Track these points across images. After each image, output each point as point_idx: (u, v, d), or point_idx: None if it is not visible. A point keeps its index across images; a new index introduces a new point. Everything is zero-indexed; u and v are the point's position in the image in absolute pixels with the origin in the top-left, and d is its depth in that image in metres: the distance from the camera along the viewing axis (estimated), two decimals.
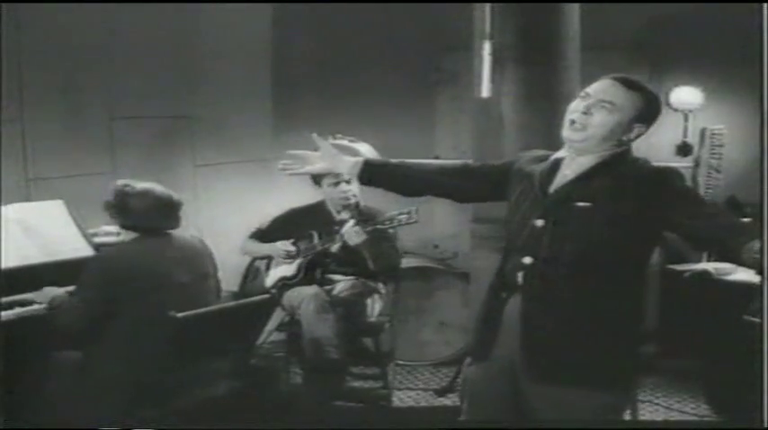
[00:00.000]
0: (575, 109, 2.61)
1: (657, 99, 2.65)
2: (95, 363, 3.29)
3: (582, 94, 2.63)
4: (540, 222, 2.59)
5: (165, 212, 3.43)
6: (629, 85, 2.60)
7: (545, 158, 2.72)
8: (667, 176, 2.58)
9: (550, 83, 4.27)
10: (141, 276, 3.30)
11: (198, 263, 3.49)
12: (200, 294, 3.44)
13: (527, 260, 2.60)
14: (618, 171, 2.58)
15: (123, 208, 3.41)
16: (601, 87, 2.60)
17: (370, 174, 2.89)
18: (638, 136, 2.60)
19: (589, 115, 2.58)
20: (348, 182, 4.51)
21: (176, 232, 3.50)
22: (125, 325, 3.26)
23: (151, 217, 3.40)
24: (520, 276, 2.61)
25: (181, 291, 3.34)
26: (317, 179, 4.58)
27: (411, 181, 2.90)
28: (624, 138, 2.59)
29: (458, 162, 2.96)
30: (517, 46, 4.22)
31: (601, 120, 2.57)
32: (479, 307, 2.79)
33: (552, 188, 2.62)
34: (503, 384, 2.67)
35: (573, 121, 2.60)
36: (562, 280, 2.55)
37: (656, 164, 2.64)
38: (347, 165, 2.90)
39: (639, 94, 2.59)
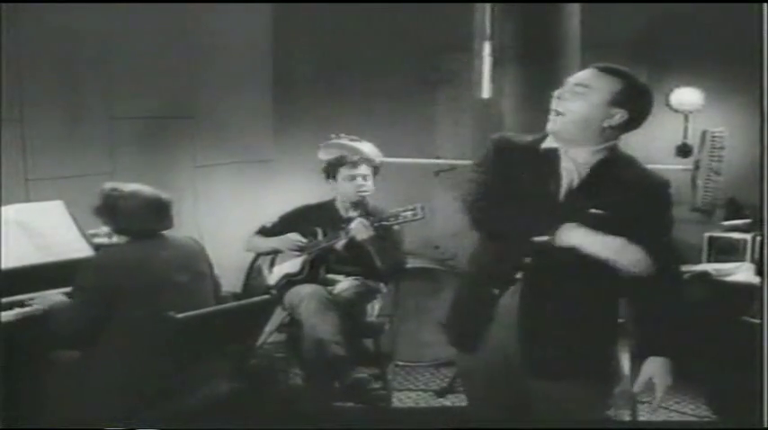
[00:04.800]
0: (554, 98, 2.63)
1: (637, 83, 2.62)
2: (94, 364, 3.28)
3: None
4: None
5: (155, 213, 3.40)
6: (604, 69, 2.60)
7: (533, 145, 2.70)
8: (663, 189, 2.64)
9: (551, 83, 4.25)
10: (136, 278, 3.28)
11: (193, 262, 3.47)
12: (197, 294, 3.43)
13: (528, 259, 2.61)
14: (616, 172, 2.59)
15: (113, 211, 3.38)
16: (578, 73, 2.63)
17: None
18: (620, 123, 2.58)
19: (563, 100, 2.59)
20: (365, 177, 4.52)
21: (169, 233, 3.48)
22: (123, 326, 3.25)
23: (142, 218, 3.38)
24: (519, 274, 2.62)
25: (177, 291, 3.33)
26: (330, 172, 4.58)
27: None
28: (605, 125, 2.58)
29: None
30: (517, 46, 4.22)
31: (575, 106, 2.57)
32: (463, 299, 2.83)
33: (562, 191, 2.61)
34: (497, 377, 2.69)
35: (553, 111, 2.61)
36: (561, 279, 2.58)
37: (649, 170, 2.67)
38: None
39: (615, 77, 2.58)
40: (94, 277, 3.31)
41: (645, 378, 2.63)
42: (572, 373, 2.61)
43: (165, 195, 3.45)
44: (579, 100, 2.57)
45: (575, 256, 2.52)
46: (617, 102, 2.57)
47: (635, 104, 2.59)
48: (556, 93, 2.63)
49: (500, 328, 2.65)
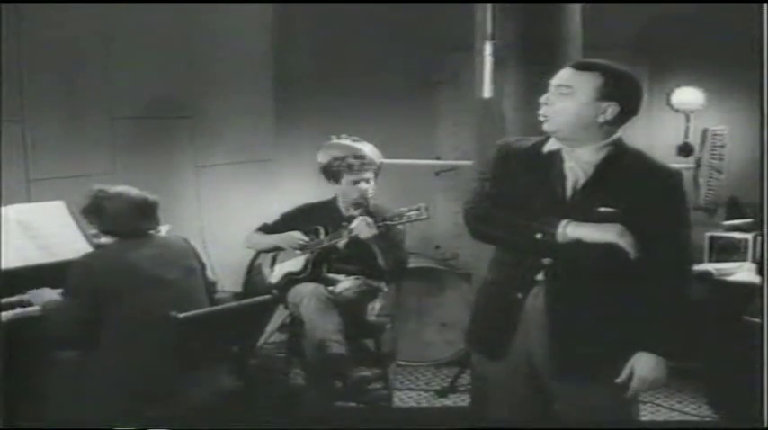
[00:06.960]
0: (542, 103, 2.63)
1: (616, 73, 2.59)
2: (94, 364, 3.29)
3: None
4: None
5: (141, 213, 3.42)
6: (580, 66, 2.60)
7: (535, 148, 2.69)
8: (675, 180, 2.62)
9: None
10: (123, 277, 3.29)
11: (181, 259, 3.48)
12: (189, 290, 3.44)
13: (546, 260, 2.61)
14: (623, 167, 2.58)
15: (99, 212, 3.40)
16: (557, 75, 2.61)
17: None
18: (615, 116, 2.56)
19: (550, 105, 2.58)
20: (368, 181, 4.52)
21: (156, 232, 3.50)
22: (119, 326, 3.26)
23: (128, 219, 3.39)
24: (540, 276, 2.61)
25: (167, 289, 3.34)
26: (335, 176, 4.58)
27: None
28: (600, 121, 2.56)
29: None
30: (518, 46, 4.21)
31: (563, 107, 2.57)
32: (486, 307, 2.79)
33: (568, 191, 2.61)
34: (522, 381, 2.69)
35: (542, 116, 2.61)
36: (584, 278, 2.58)
37: (658, 162, 2.65)
38: None
39: (594, 72, 2.57)
40: (82, 279, 3.32)
41: (627, 370, 2.58)
42: (600, 374, 2.59)
43: (151, 196, 3.46)
44: (567, 101, 2.56)
45: (592, 252, 2.52)
46: (603, 96, 2.55)
47: (622, 94, 2.57)
48: (542, 99, 2.61)
49: (525, 332, 2.64)
